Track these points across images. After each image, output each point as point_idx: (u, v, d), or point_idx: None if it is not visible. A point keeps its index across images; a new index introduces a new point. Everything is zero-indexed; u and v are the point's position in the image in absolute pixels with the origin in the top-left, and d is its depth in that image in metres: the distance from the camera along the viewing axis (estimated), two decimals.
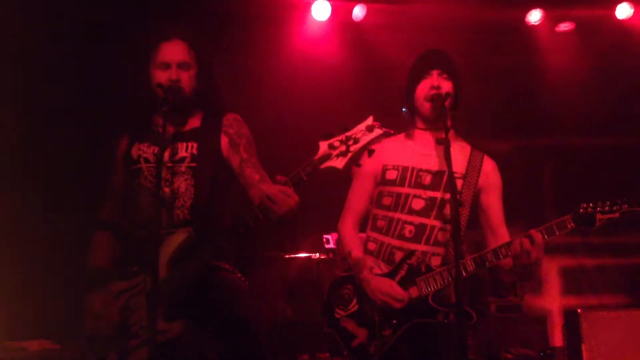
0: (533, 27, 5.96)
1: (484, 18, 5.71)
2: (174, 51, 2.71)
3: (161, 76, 2.68)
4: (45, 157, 4.88)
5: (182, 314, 2.50)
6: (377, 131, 2.31)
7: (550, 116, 6.24)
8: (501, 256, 2.63)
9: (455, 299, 2.52)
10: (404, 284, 2.68)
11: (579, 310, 5.24)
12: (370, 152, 2.34)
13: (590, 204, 2.60)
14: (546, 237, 2.59)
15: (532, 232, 2.59)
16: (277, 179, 2.37)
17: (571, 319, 5.27)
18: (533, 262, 2.59)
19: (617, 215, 2.56)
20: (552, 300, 6.33)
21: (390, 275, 2.72)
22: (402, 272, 2.70)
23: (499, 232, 2.85)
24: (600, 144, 6.30)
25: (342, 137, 2.32)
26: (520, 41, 6.02)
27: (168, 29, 2.77)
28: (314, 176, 2.34)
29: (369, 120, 2.32)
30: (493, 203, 2.87)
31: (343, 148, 2.31)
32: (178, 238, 2.55)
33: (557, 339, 5.80)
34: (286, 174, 2.40)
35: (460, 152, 2.77)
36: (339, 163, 2.31)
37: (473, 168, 2.84)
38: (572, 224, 2.60)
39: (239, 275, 2.72)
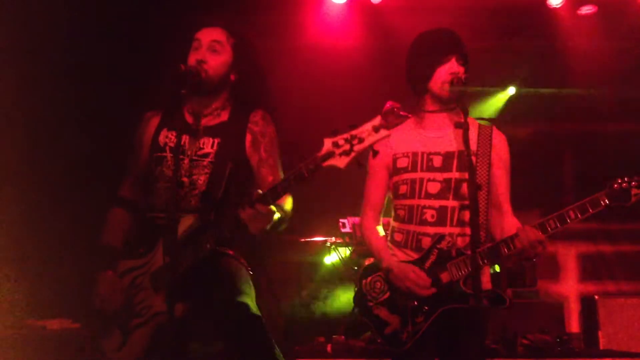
0: (554, 10, 5.86)
1: (504, 0, 5.63)
2: (210, 33, 2.72)
3: (192, 56, 2.69)
4: (69, 134, 4.92)
5: (185, 296, 2.52)
6: (383, 132, 2.25)
7: (571, 101, 6.16)
8: (505, 251, 2.62)
9: (473, 286, 2.49)
10: (435, 269, 2.66)
11: (596, 297, 5.22)
12: (375, 153, 2.30)
13: (625, 178, 2.54)
14: (579, 215, 2.56)
15: (570, 211, 2.56)
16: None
17: (588, 305, 5.26)
18: (533, 250, 2.58)
19: None
20: (569, 286, 6.30)
21: (420, 261, 2.69)
22: (433, 257, 2.68)
23: (504, 208, 2.79)
24: (622, 129, 6.21)
25: (347, 135, 2.28)
26: (541, 24, 5.93)
27: (211, 17, 2.78)
28: (316, 173, 2.32)
29: (376, 120, 2.27)
30: (499, 178, 2.80)
31: (347, 147, 2.27)
32: (184, 223, 2.57)
33: (574, 325, 5.79)
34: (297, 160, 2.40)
35: (470, 129, 2.73)
36: (341, 162, 2.27)
37: (484, 143, 2.78)
38: (607, 201, 2.55)
39: (243, 261, 2.72)
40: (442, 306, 2.64)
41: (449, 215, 2.72)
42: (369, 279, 2.78)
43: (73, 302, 4.31)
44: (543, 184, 6.30)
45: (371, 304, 2.73)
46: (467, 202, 2.61)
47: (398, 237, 2.81)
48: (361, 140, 2.27)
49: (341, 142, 2.29)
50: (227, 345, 2.55)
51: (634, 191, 2.52)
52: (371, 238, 2.84)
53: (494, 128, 2.86)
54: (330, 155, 2.29)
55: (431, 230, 2.72)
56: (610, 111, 6.16)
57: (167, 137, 2.74)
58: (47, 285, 4.44)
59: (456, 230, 2.71)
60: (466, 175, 2.66)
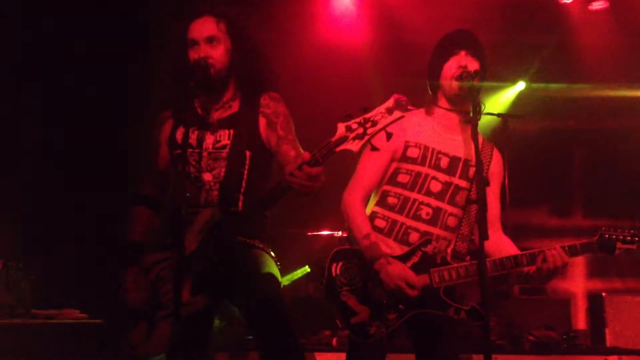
0: (565, 5, 5.82)
1: None
2: (202, 28, 2.70)
3: (192, 55, 2.68)
4: (87, 135, 4.99)
5: (211, 288, 2.54)
6: (397, 113, 2.25)
7: (581, 96, 6.13)
8: (524, 264, 2.64)
9: (480, 285, 2.45)
10: (415, 270, 2.64)
11: (603, 294, 5.20)
12: (389, 136, 2.29)
13: (612, 230, 2.67)
14: (570, 256, 2.63)
15: (559, 248, 2.62)
16: (303, 156, 2.37)
17: (595, 303, 5.24)
18: (554, 277, 2.64)
19: (634, 247, 2.68)
20: (576, 283, 6.28)
21: (402, 259, 2.67)
22: (415, 259, 2.66)
23: (497, 225, 2.84)
24: (632, 125, 6.17)
25: (361, 119, 2.26)
26: (552, 19, 5.89)
27: (199, 7, 2.76)
28: (329, 158, 2.31)
29: (390, 102, 2.25)
30: (494, 195, 2.84)
31: (360, 130, 2.25)
32: (207, 215, 2.60)
33: (581, 322, 5.77)
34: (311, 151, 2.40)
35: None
36: (354, 146, 2.25)
37: (485, 157, 2.81)
38: (596, 248, 2.67)
39: (271, 253, 2.73)
40: (417, 309, 2.62)
41: (441, 218, 2.73)
42: (341, 263, 2.70)
43: (82, 293, 4.35)
44: (552, 179, 6.28)
45: (339, 289, 2.67)
46: (471, 203, 2.67)
47: (380, 223, 2.76)
48: (374, 123, 2.25)
49: (354, 125, 2.27)
50: (252, 333, 2.56)
51: (619, 244, 2.67)
52: (361, 227, 2.71)
53: (494, 147, 2.90)
54: (343, 139, 2.27)
55: (422, 227, 2.71)
56: (620, 107, 6.11)
57: (185, 135, 2.74)
58: (57, 276, 4.47)
59: (442, 233, 2.73)
60: (464, 184, 2.76)
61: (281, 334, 2.48)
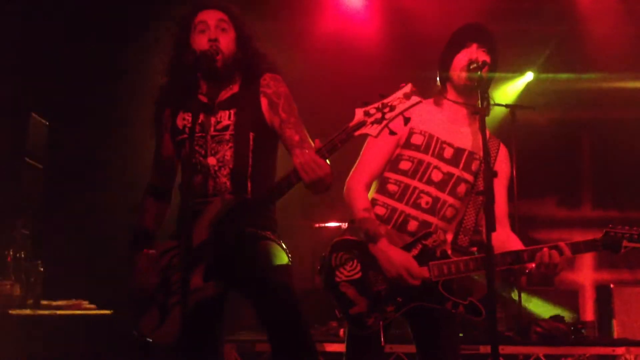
0: None
1: None
2: (212, 15, 2.73)
3: (200, 39, 2.68)
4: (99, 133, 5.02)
5: (222, 278, 2.55)
6: (415, 99, 2.28)
7: (590, 86, 6.09)
8: (524, 261, 2.63)
9: (487, 277, 2.43)
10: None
11: (611, 285, 5.19)
12: (407, 120, 2.32)
13: (619, 227, 2.64)
14: (572, 253, 2.61)
15: (562, 245, 2.60)
16: (315, 144, 2.40)
17: (603, 294, 5.23)
18: (556, 273, 2.62)
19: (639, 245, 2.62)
20: (584, 274, 6.27)
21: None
22: (415, 251, 2.64)
23: (504, 222, 2.81)
24: None
25: (379, 104, 2.30)
26: (561, 9, 5.85)
27: (205, 1, 2.79)
28: (348, 142, 2.34)
29: (407, 88, 2.29)
30: (501, 191, 2.81)
31: (378, 115, 2.29)
32: (217, 204, 2.60)
33: (589, 314, 5.77)
34: (322, 140, 2.40)
35: (480, 135, 2.70)
36: (373, 130, 2.30)
37: (491, 153, 2.78)
38: (600, 246, 2.64)
39: (282, 244, 2.73)
40: (415, 302, 2.62)
41: (439, 208, 2.72)
42: (340, 254, 2.67)
43: (91, 284, 4.38)
44: (560, 170, 6.26)
45: (339, 280, 2.64)
46: (479, 194, 2.63)
47: (380, 210, 2.74)
48: (392, 108, 2.29)
49: (372, 111, 2.30)
50: (262, 325, 2.56)
51: (624, 243, 2.62)
52: (363, 210, 2.69)
53: (501, 143, 2.89)
54: (361, 124, 2.31)
55: (421, 216, 2.70)
56: (630, 97, 6.08)
57: (185, 119, 2.75)
58: (65, 267, 4.51)
59: (440, 223, 2.72)
60: (467, 176, 2.74)
61: (292, 327, 2.49)
